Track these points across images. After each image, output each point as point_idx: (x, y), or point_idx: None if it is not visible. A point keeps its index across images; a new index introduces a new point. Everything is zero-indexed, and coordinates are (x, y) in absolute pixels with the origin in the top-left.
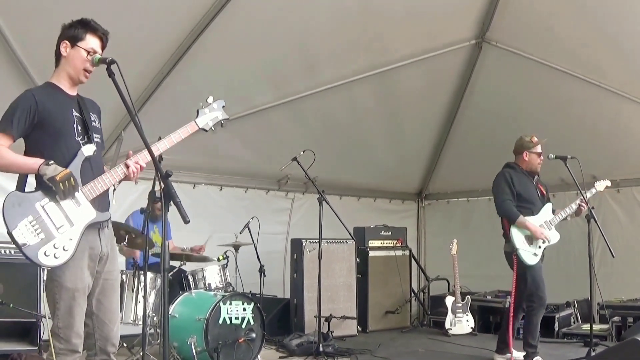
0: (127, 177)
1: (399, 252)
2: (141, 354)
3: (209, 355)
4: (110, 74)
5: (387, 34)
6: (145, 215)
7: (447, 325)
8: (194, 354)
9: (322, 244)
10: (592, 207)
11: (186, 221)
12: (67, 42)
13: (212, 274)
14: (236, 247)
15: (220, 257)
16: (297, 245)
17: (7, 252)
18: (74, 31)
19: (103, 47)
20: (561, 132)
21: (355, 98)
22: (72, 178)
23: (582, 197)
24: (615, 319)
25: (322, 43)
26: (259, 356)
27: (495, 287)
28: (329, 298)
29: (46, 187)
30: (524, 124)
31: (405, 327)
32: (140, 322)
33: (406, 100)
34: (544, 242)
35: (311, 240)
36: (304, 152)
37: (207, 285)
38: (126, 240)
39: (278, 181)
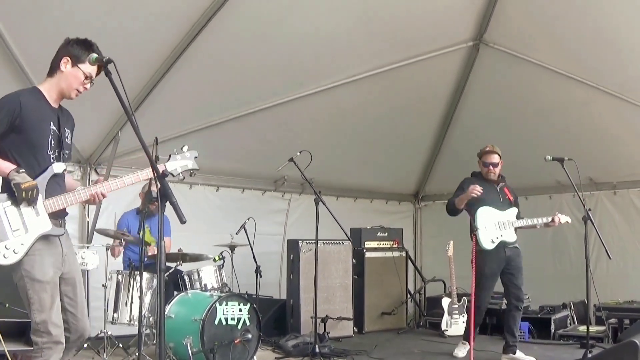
0: (89, 201)
1: (396, 253)
2: (137, 354)
3: (205, 356)
4: (107, 74)
5: (384, 35)
6: (141, 216)
7: (443, 327)
8: (190, 354)
9: (319, 245)
10: (589, 209)
11: (182, 221)
12: (68, 59)
13: (208, 275)
14: (232, 248)
15: (217, 258)
16: (293, 246)
17: None
18: (77, 51)
19: (99, 74)
20: (558, 134)
21: (352, 99)
22: (35, 190)
23: (551, 217)
24: (612, 320)
25: (319, 45)
26: (255, 357)
27: None
28: (325, 299)
29: (11, 191)
30: (520, 125)
31: (401, 328)
32: (136, 323)
33: (403, 102)
34: (502, 235)
35: (307, 241)
36: (300, 152)
37: (203, 285)
38: (122, 240)
39: (274, 182)
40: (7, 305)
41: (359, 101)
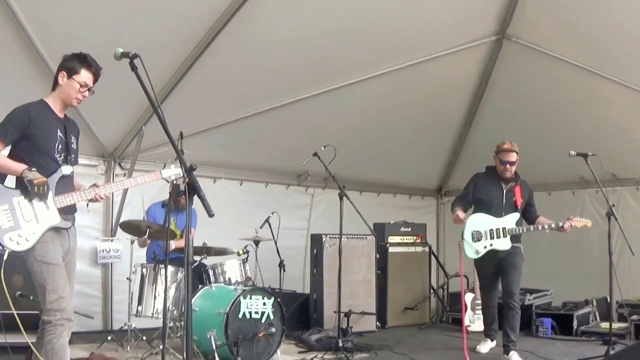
0: (93, 199)
1: (419, 249)
2: (161, 347)
3: (229, 349)
4: (133, 68)
5: (407, 31)
6: (167, 209)
7: (466, 322)
8: (214, 347)
9: (342, 240)
10: (613, 205)
11: (210, 214)
12: (64, 72)
13: (232, 268)
14: (256, 242)
15: (241, 252)
16: (317, 241)
17: None
18: (71, 64)
19: (95, 81)
20: (582, 129)
21: (375, 94)
22: (46, 186)
23: (561, 223)
24: (634, 317)
25: (342, 40)
26: (278, 351)
27: None
28: (349, 293)
29: (24, 188)
30: (544, 120)
31: (424, 324)
32: (160, 316)
33: (427, 97)
34: (491, 245)
35: (331, 236)
36: (324, 147)
37: (227, 279)
38: (147, 234)
39: (298, 176)
40: (31, 298)
41: (382, 96)
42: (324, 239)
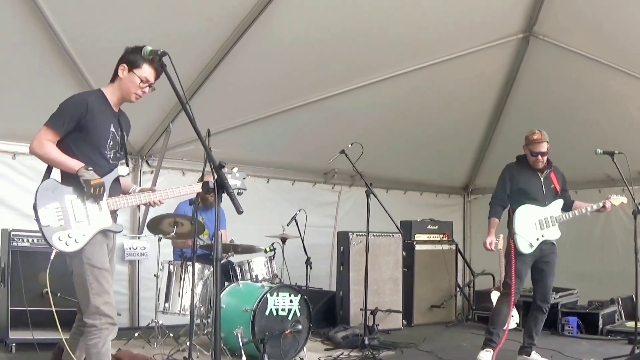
0: (147, 204)
1: (445, 247)
2: (187, 344)
3: (255, 346)
4: (162, 66)
5: (434, 29)
6: (194, 206)
7: None
8: (241, 344)
9: (369, 237)
10: (639, 203)
11: (239, 211)
12: (125, 65)
13: (259, 266)
14: (283, 239)
15: (267, 249)
16: (343, 238)
17: None
18: (133, 57)
19: (157, 77)
20: (609, 127)
21: (402, 92)
22: (102, 187)
23: (602, 203)
24: None
25: (368, 38)
26: (304, 348)
27: None
28: (375, 291)
29: (78, 186)
30: (570, 118)
31: (450, 322)
32: (187, 313)
33: (454, 94)
34: (543, 235)
35: (358, 233)
36: (351, 145)
37: (254, 276)
38: (174, 231)
39: (325, 174)
40: (58, 294)
41: (409, 94)
42: (350, 237)
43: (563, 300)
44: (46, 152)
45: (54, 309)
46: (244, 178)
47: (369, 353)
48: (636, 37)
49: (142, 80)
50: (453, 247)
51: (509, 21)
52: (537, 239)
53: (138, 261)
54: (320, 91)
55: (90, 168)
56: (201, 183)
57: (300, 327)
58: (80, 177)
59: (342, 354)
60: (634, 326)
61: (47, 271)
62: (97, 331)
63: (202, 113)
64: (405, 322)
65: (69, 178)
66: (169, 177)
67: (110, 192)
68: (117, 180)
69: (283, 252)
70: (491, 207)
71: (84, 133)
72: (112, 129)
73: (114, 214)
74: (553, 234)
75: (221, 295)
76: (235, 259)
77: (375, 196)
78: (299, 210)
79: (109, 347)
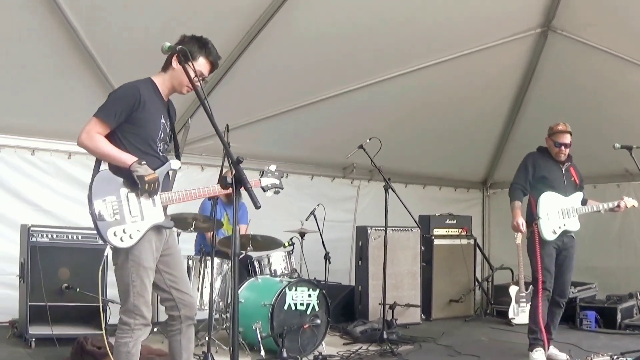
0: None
1: (464, 241)
2: (207, 338)
3: (274, 340)
4: (181, 61)
5: (452, 24)
6: (213, 201)
7: (511, 315)
8: (259, 339)
9: (388, 232)
10: None
11: (257, 206)
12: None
13: (277, 260)
14: (302, 234)
15: (286, 244)
16: (362, 233)
17: (74, 237)
18: (189, 48)
19: (211, 71)
20: (627, 121)
21: (420, 87)
22: (157, 182)
23: (617, 202)
24: None
25: (388, 33)
26: (323, 342)
27: None
28: (394, 286)
29: (131, 180)
30: (589, 113)
31: (468, 316)
32: (206, 307)
33: (472, 89)
34: (564, 225)
35: (376, 228)
36: (370, 139)
37: (272, 271)
38: (193, 226)
39: (343, 169)
40: (77, 290)
41: (427, 88)
42: (369, 231)
43: (581, 294)
44: (96, 146)
45: (101, 309)
46: (282, 177)
47: (388, 347)
48: None
49: (196, 74)
50: (472, 241)
51: (527, 16)
52: (560, 227)
53: None
54: (339, 86)
55: (144, 162)
56: (255, 180)
57: (318, 321)
58: (133, 173)
59: (360, 349)
60: None
61: (101, 267)
62: (129, 330)
63: (221, 108)
64: (423, 317)
65: (119, 172)
66: (188, 172)
67: (162, 186)
68: (167, 174)
69: (302, 247)
70: (512, 191)
71: (136, 125)
72: (163, 120)
73: (165, 209)
74: (574, 224)
75: (240, 290)
76: (254, 253)
77: (393, 191)
78: (318, 205)
79: (139, 347)
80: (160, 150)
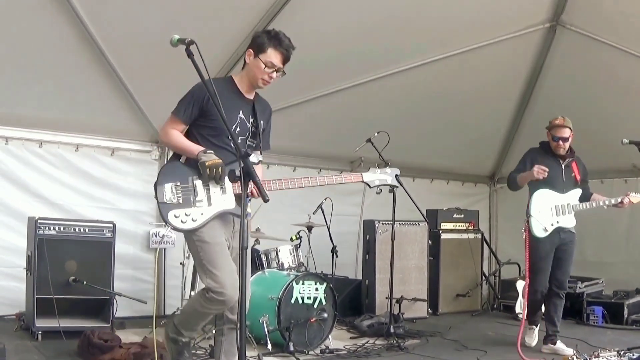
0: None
1: (471, 235)
2: (213, 331)
3: (281, 334)
4: (189, 55)
5: (460, 18)
6: None
7: (518, 310)
8: (266, 332)
9: (395, 226)
10: None
11: (266, 200)
12: (251, 50)
13: (285, 254)
14: (309, 228)
15: (294, 237)
16: (369, 227)
17: (82, 230)
18: (259, 41)
19: (285, 62)
20: (636, 117)
21: (429, 81)
22: (220, 168)
23: (620, 198)
24: None
25: (397, 27)
26: (330, 336)
27: None
28: (401, 280)
29: (198, 168)
30: (597, 108)
31: (475, 311)
32: None
33: (480, 83)
34: (558, 222)
35: (384, 222)
36: (378, 133)
37: (279, 264)
38: None
39: (351, 163)
40: (85, 282)
41: (436, 82)
42: (376, 225)
43: (588, 289)
44: (170, 140)
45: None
46: (396, 174)
47: (394, 341)
48: None
49: (266, 65)
50: (479, 236)
51: (536, 10)
52: (552, 224)
53: (164, 249)
54: (347, 80)
55: (211, 151)
56: (356, 174)
57: (325, 315)
58: (198, 161)
59: (367, 343)
60: None
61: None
62: (206, 300)
63: None
64: (430, 311)
65: (189, 162)
66: None
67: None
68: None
69: (309, 241)
70: (510, 181)
71: (207, 119)
72: (242, 115)
73: (239, 198)
74: (568, 221)
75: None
76: (261, 247)
77: (401, 185)
78: (325, 199)
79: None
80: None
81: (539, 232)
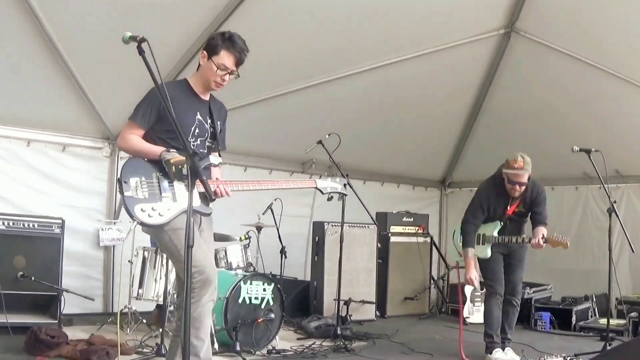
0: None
1: (420, 239)
2: (160, 330)
3: (228, 334)
4: (141, 52)
5: (415, 22)
6: None
7: (465, 314)
8: (213, 332)
9: (344, 228)
10: (614, 202)
11: (212, 199)
12: (205, 52)
13: (233, 254)
14: (258, 228)
15: (242, 237)
16: (319, 228)
17: (30, 225)
18: (213, 43)
19: (238, 64)
20: (587, 125)
21: (382, 84)
22: (184, 164)
23: (533, 239)
24: (633, 314)
25: (348, 30)
26: (277, 336)
27: None
28: (349, 282)
29: (162, 168)
30: (549, 115)
31: (423, 314)
32: (160, 299)
33: (433, 88)
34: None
35: (333, 224)
36: (329, 135)
37: (228, 264)
38: None
39: (302, 164)
40: (32, 278)
41: (389, 86)
42: (326, 227)
43: (536, 295)
44: (130, 145)
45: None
46: (344, 184)
47: (341, 343)
48: (617, 37)
49: (219, 68)
50: (428, 239)
51: (491, 16)
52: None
53: (113, 247)
54: (300, 81)
55: (173, 150)
56: (310, 181)
57: (272, 315)
58: (162, 160)
59: (314, 344)
60: (606, 323)
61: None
62: (193, 293)
63: None
64: (378, 314)
65: (153, 162)
66: None
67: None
68: (207, 168)
69: (258, 241)
70: (465, 234)
71: (166, 123)
72: (199, 116)
73: (204, 196)
74: (483, 253)
75: None
76: None
77: (351, 187)
78: (275, 200)
79: (204, 311)
80: (197, 145)
81: (482, 254)
